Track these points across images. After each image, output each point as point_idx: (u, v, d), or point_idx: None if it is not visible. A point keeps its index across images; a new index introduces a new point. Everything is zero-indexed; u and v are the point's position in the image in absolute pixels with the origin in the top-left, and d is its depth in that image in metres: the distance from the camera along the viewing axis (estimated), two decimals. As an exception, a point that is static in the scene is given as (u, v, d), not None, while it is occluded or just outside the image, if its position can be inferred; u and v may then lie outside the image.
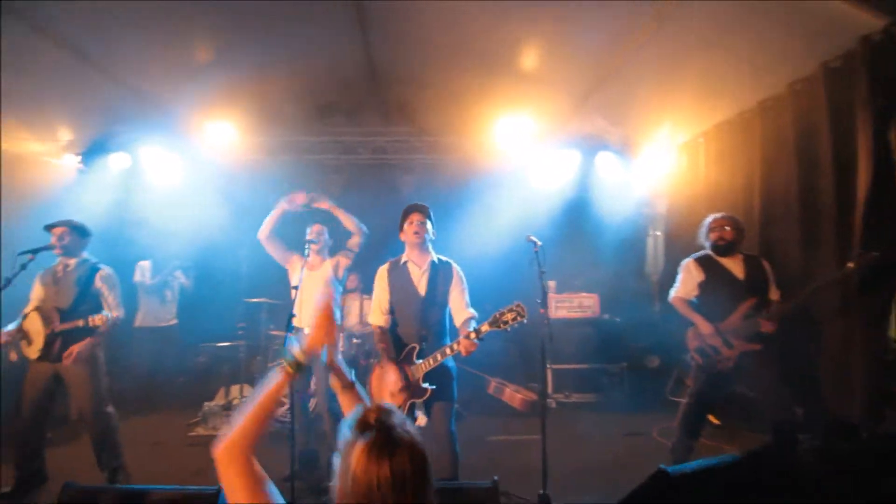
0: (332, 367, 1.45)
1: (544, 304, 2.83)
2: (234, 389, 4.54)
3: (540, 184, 5.85)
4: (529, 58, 4.85)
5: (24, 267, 2.80)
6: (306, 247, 3.24)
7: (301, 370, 1.29)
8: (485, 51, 4.78)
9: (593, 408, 4.91)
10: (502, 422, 4.53)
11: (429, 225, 2.73)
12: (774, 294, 3.12)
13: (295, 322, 3.48)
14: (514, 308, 2.36)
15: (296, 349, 1.31)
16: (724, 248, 3.16)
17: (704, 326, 3.06)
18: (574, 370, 5.07)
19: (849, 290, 3.08)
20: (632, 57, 4.20)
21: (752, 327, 2.99)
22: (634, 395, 5.00)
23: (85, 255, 3.31)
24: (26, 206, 4.52)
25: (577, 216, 6.02)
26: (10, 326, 3.15)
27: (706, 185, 4.93)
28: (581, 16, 3.81)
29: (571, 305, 5.21)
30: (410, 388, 2.54)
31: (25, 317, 3.15)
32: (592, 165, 5.88)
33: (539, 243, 2.92)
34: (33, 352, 3.10)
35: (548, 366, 5.11)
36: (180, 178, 5.50)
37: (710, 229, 3.23)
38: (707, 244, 3.25)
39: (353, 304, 4.94)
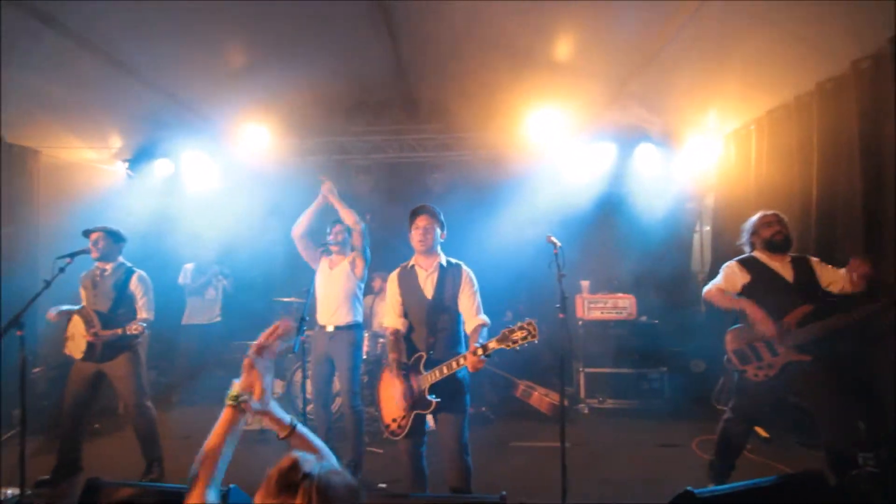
0: (263, 414, 1.38)
1: (564, 308, 2.66)
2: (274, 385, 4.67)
3: (575, 179, 5.62)
4: (561, 47, 4.64)
5: (62, 270, 2.96)
6: (326, 247, 3.26)
7: (245, 407, 1.29)
8: (514, 43, 4.62)
9: (629, 415, 4.66)
10: (530, 427, 4.38)
11: (437, 228, 2.63)
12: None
13: (319, 320, 3.55)
14: (525, 326, 2.21)
15: (237, 385, 1.32)
16: (781, 243, 2.87)
17: (758, 315, 2.74)
18: (609, 374, 4.83)
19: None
20: (671, 39, 3.91)
21: (804, 336, 2.69)
22: (675, 403, 4.71)
23: (121, 259, 3.49)
24: (80, 210, 4.86)
25: (615, 212, 5.74)
26: (64, 307, 3.36)
27: (757, 177, 4.55)
28: (613, -2, 3.59)
29: (605, 307, 4.96)
30: (415, 399, 2.47)
31: (71, 315, 3.37)
32: (631, 158, 5.58)
33: (559, 244, 2.76)
34: (77, 352, 3.30)
35: (581, 369, 4.92)
36: (218, 181, 5.72)
37: (763, 225, 2.95)
38: (757, 242, 2.97)
39: (379, 306, 4.94)
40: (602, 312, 4.96)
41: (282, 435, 1.40)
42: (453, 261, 2.71)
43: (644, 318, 5.00)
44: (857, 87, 3.46)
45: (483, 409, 4.64)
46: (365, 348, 4.43)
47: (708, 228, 5.65)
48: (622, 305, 4.96)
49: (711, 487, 2.05)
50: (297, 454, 1.03)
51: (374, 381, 2.81)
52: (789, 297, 2.77)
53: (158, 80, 4.59)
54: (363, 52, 4.97)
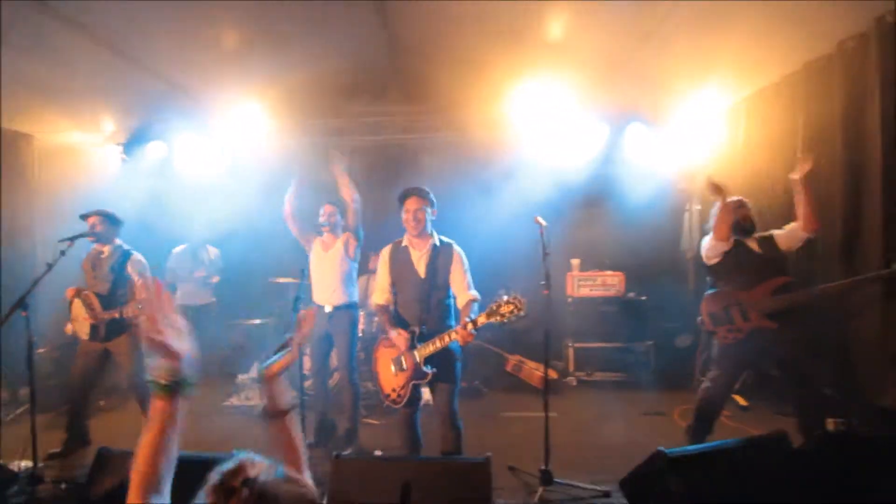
0: (267, 384, 1.31)
1: (548, 285, 2.78)
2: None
3: (566, 159, 5.67)
4: (553, 28, 4.64)
5: (63, 253, 3.05)
6: (318, 229, 3.35)
7: (177, 389, 1.09)
8: (507, 23, 4.59)
9: (616, 387, 4.84)
10: (520, 399, 4.56)
11: (428, 209, 2.72)
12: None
13: (315, 299, 3.66)
14: (512, 301, 2.33)
15: (156, 370, 1.10)
16: (748, 226, 3.04)
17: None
18: (597, 348, 5.00)
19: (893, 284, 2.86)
20: (662, 18, 3.92)
21: (773, 305, 2.86)
22: (661, 375, 4.88)
23: (118, 241, 3.57)
24: (75, 194, 4.90)
25: (605, 192, 5.80)
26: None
27: (745, 156, 4.63)
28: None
29: (595, 284, 5.10)
30: (412, 370, 2.60)
31: (74, 296, 3.47)
32: (622, 138, 5.62)
33: (545, 224, 2.86)
34: (83, 333, 3.43)
35: (570, 344, 5.08)
36: (213, 164, 5.74)
37: (733, 209, 3.07)
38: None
39: (374, 285, 5.05)
40: (591, 289, 5.10)
41: (271, 413, 1.29)
42: (445, 240, 2.82)
43: (632, 295, 5.14)
44: (843, 67, 3.52)
45: (476, 382, 4.81)
46: (361, 326, 4.56)
47: (698, 208, 5.74)
48: (611, 283, 5.09)
49: (682, 448, 2.20)
50: (247, 457, 0.93)
51: (370, 357, 2.94)
52: (760, 267, 2.94)
53: (152, 62, 4.57)
54: (356, 33, 4.93)
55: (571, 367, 5.04)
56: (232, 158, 5.80)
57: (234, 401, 4.49)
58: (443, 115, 5.91)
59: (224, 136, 5.61)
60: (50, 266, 2.96)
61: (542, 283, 2.80)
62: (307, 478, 1.15)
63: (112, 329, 3.40)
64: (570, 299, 5.15)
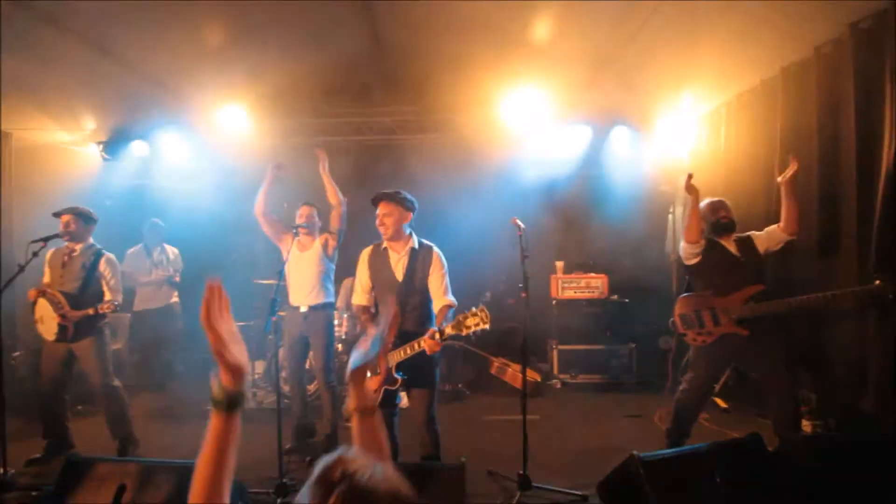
0: (353, 383, 1.26)
1: (526, 288, 2.78)
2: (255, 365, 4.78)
3: (552, 161, 5.69)
4: (539, 30, 4.66)
5: (35, 254, 2.99)
6: (295, 230, 3.31)
7: (234, 405, 1.01)
8: (493, 25, 4.61)
9: (600, 389, 4.87)
10: (503, 402, 4.56)
11: (397, 212, 2.69)
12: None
13: (291, 301, 3.62)
14: (478, 313, 2.32)
15: (216, 385, 1.02)
16: (727, 225, 3.07)
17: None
18: (581, 350, 5.02)
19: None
20: (645, 23, 3.95)
21: (747, 312, 2.89)
22: (644, 377, 4.91)
23: (90, 240, 3.49)
24: (54, 193, 4.80)
25: (590, 195, 5.85)
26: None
27: (726, 159, 4.68)
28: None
29: (578, 286, 5.12)
30: (383, 374, 2.58)
31: (37, 297, 3.35)
32: (607, 141, 5.66)
33: (523, 227, 2.86)
34: (49, 334, 3.32)
35: (554, 346, 5.09)
36: (195, 163, 5.67)
37: (711, 210, 3.13)
38: (705, 226, 3.12)
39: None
40: (575, 292, 5.12)
41: (362, 410, 1.23)
42: (425, 243, 2.80)
43: (615, 297, 5.17)
44: (819, 72, 3.57)
45: (459, 385, 4.80)
46: (344, 328, 4.53)
47: (681, 210, 5.79)
48: (594, 285, 5.12)
49: (656, 452, 2.21)
50: (347, 452, 0.91)
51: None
52: (738, 272, 2.96)
53: (134, 60, 4.51)
54: (343, 33, 4.92)
55: (555, 370, 5.05)
56: (214, 158, 5.72)
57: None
58: (429, 116, 5.90)
59: (207, 135, 5.54)
60: (22, 267, 2.91)
61: (520, 285, 2.80)
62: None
63: (79, 330, 3.31)
64: (554, 301, 5.17)
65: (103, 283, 3.41)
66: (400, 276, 2.68)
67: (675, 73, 4.72)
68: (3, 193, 4.78)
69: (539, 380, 4.82)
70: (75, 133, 5.57)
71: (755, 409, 4.01)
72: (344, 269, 3.84)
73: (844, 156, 3.32)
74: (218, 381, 1.00)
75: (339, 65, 5.69)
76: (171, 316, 5.11)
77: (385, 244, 2.78)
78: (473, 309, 2.33)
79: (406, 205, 2.72)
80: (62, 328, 3.25)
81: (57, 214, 3.39)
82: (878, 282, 2.73)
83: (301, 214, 3.59)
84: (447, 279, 2.70)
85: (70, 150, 5.66)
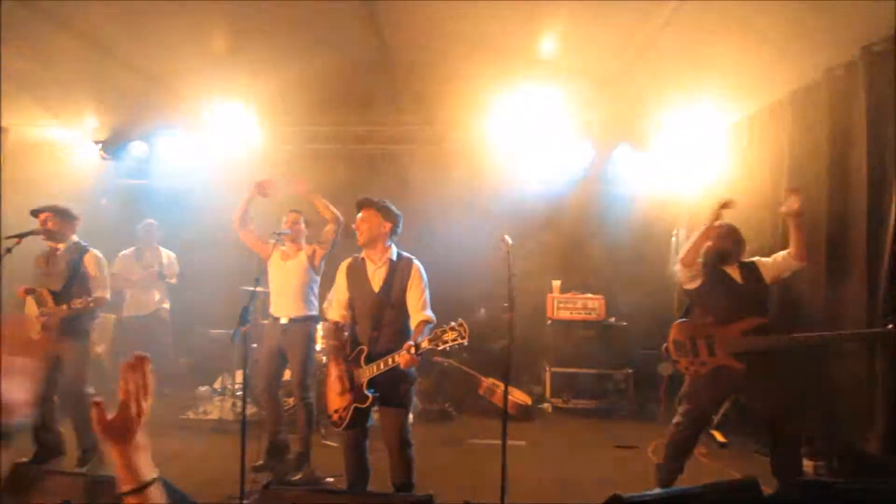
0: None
1: (512, 308, 2.63)
2: (237, 375, 4.62)
3: (554, 177, 5.58)
4: (544, 46, 4.61)
5: (9, 251, 2.91)
6: (277, 236, 3.20)
7: None
8: (499, 40, 4.58)
9: (592, 415, 4.67)
10: (491, 424, 4.35)
11: (376, 220, 2.58)
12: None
13: (272, 311, 3.49)
14: (457, 327, 2.18)
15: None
16: (731, 253, 2.90)
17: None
18: (575, 374, 4.82)
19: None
20: (650, 42, 3.87)
21: (744, 345, 2.72)
22: (640, 405, 4.71)
23: (74, 238, 3.40)
24: (50, 190, 4.75)
25: (592, 213, 5.72)
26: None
27: (732, 182, 4.53)
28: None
29: (574, 307, 4.95)
30: (354, 392, 2.44)
31: (25, 295, 3.30)
32: (609, 160, 5.55)
33: (510, 243, 2.72)
34: (34, 333, 3.21)
35: (548, 368, 4.90)
36: (194, 166, 5.63)
37: (719, 236, 2.95)
38: (710, 250, 2.97)
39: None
40: (571, 312, 4.95)
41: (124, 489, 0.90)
42: (405, 255, 2.67)
43: (612, 320, 4.99)
44: (830, 95, 3.46)
45: (446, 405, 4.62)
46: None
47: (684, 231, 5.64)
48: (591, 306, 4.95)
49: (641, 493, 2.02)
50: None
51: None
52: (739, 300, 2.80)
53: (134, 60, 4.50)
54: (348, 40, 4.90)
55: (548, 393, 4.86)
56: (213, 162, 5.68)
57: (190, 414, 4.28)
58: (431, 127, 5.85)
59: (207, 139, 5.50)
60: (-6, 265, 2.81)
61: (506, 304, 2.65)
62: None
63: (63, 330, 3.21)
64: (549, 321, 5.00)
65: (89, 281, 3.31)
66: (376, 287, 2.55)
67: (682, 94, 4.63)
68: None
69: (529, 403, 4.63)
70: (74, 130, 5.56)
71: (755, 444, 3.81)
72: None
73: (855, 181, 3.20)
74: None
75: (344, 73, 5.68)
76: (158, 324, 4.99)
77: (363, 254, 2.65)
78: (452, 323, 2.19)
79: (386, 214, 2.60)
80: (46, 327, 3.15)
81: (35, 213, 3.31)
82: (890, 325, 2.58)
83: (287, 220, 3.47)
84: (427, 294, 2.57)
85: (68, 146, 5.64)
